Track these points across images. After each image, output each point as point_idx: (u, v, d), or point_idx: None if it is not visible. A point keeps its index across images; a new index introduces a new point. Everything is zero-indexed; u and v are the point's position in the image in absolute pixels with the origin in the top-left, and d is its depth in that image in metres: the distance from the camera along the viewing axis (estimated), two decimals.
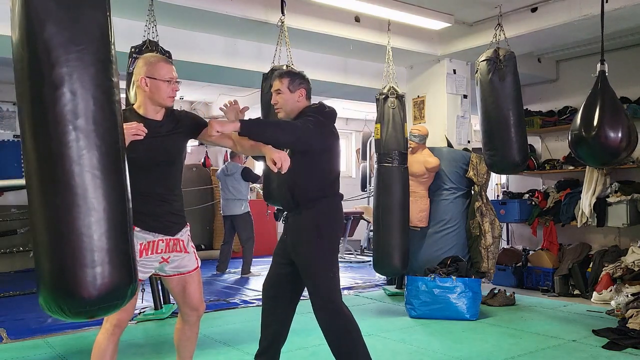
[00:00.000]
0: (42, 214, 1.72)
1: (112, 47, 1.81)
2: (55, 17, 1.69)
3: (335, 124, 2.94)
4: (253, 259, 7.38)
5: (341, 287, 6.79)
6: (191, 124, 2.73)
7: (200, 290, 2.73)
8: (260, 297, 5.08)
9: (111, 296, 1.74)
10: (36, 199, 1.73)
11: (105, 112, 1.76)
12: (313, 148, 2.79)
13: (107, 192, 1.74)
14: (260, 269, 7.25)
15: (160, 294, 4.91)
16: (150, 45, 3.97)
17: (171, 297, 5.15)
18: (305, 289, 2.92)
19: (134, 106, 2.62)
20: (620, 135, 4.02)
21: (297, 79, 2.91)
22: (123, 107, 2.58)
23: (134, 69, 2.60)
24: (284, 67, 2.98)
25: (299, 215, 2.85)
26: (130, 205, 1.85)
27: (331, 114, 2.91)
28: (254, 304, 5.40)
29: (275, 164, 2.56)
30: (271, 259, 3.07)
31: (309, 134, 2.72)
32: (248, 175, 7.31)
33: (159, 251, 2.60)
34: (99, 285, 1.70)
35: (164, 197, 2.62)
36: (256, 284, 6.54)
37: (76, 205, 1.69)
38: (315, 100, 3.05)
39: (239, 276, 7.21)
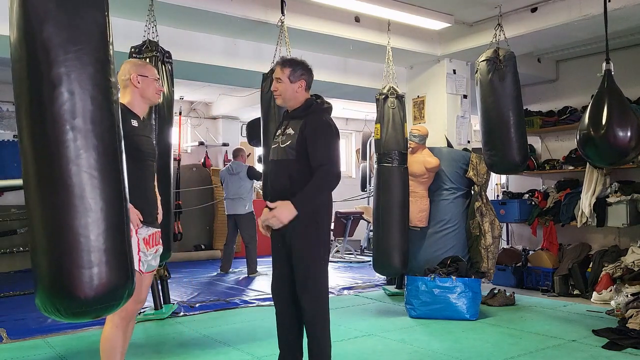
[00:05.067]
0: (38, 214, 1.71)
1: (111, 47, 1.81)
2: (53, 17, 1.69)
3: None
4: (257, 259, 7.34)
5: (341, 287, 6.74)
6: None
7: None
8: (260, 297, 5.07)
9: (108, 297, 1.74)
10: (33, 198, 1.73)
11: (103, 112, 1.76)
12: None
13: (105, 192, 1.74)
14: (267, 269, 7.13)
15: (160, 294, 4.90)
16: (150, 45, 3.92)
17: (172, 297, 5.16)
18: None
19: (125, 103, 2.68)
20: (629, 134, 3.97)
21: (298, 69, 2.92)
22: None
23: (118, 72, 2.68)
24: (288, 56, 2.97)
25: None
26: (128, 205, 1.86)
27: (330, 109, 3.01)
28: (254, 304, 5.39)
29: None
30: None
31: (335, 167, 2.86)
32: (253, 173, 7.27)
33: (157, 243, 2.75)
34: (95, 286, 1.70)
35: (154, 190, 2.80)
36: (259, 284, 6.53)
37: (73, 205, 1.69)
38: None
39: (245, 276, 7.15)
